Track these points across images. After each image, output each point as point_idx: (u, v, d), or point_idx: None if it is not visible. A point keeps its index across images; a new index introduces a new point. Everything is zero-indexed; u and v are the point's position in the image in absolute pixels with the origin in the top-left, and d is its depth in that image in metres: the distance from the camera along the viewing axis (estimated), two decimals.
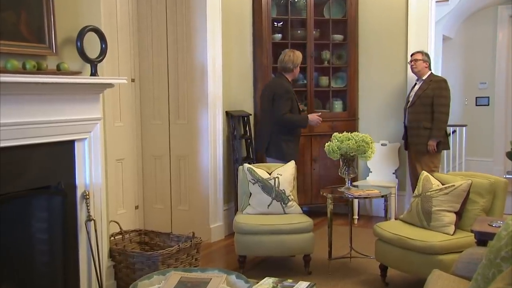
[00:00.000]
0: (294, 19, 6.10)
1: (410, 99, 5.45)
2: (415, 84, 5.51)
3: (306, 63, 5.95)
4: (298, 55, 5.01)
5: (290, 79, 5.03)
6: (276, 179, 4.35)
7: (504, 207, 3.75)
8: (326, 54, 6.18)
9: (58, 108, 3.23)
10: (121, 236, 4.18)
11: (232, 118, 5.48)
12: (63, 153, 3.37)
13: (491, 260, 2.15)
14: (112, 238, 4.06)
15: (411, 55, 5.51)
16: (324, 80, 6.22)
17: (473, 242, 3.19)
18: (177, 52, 5.23)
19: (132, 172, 5.22)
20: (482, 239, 3.04)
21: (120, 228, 4.19)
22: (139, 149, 5.36)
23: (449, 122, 5.28)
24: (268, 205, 4.34)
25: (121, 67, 4.91)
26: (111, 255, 3.86)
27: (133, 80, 5.22)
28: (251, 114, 5.80)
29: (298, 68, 5.06)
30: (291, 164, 4.55)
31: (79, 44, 3.34)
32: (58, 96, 3.21)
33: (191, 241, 3.98)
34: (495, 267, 2.11)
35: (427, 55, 5.45)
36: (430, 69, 5.43)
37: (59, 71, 3.26)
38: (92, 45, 3.48)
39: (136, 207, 5.31)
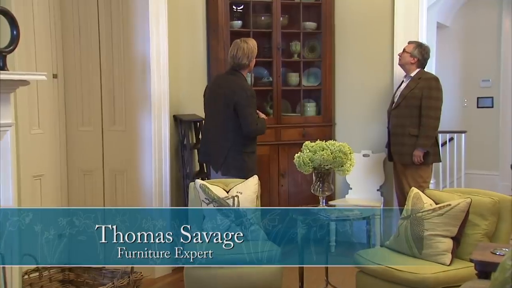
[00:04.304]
0: (257, 2, 6.11)
1: (395, 100, 5.49)
2: (402, 81, 5.55)
3: (272, 56, 5.97)
4: (253, 44, 5.00)
5: (245, 75, 5.06)
6: (236, 198, 4.36)
7: (511, 231, 3.80)
8: (296, 46, 6.21)
9: None
10: (38, 273, 4.10)
11: (182, 124, 5.47)
12: None
13: None
14: (26, 276, 3.99)
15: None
16: (293, 78, 6.24)
17: (474, 274, 3.22)
18: (111, 41, 5.19)
19: (55, 192, 5.14)
20: (484, 270, 3.07)
21: (37, 263, 4.08)
22: (63, 162, 5.28)
23: (446, 128, 5.33)
24: (226, 231, 4.31)
25: (39, 60, 4.83)
26: None
27: (55, 76, 5.14)
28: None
29: (254, 60, 5.05)
30: (254, 180, 4.56)
31: None
32: None
33: (129, 277, 3.95)
34: None
35: (421, 49, 5.39)
36: (420, 67, 5.41)
37: None
38: None
39: (59, 236, 5.20)
